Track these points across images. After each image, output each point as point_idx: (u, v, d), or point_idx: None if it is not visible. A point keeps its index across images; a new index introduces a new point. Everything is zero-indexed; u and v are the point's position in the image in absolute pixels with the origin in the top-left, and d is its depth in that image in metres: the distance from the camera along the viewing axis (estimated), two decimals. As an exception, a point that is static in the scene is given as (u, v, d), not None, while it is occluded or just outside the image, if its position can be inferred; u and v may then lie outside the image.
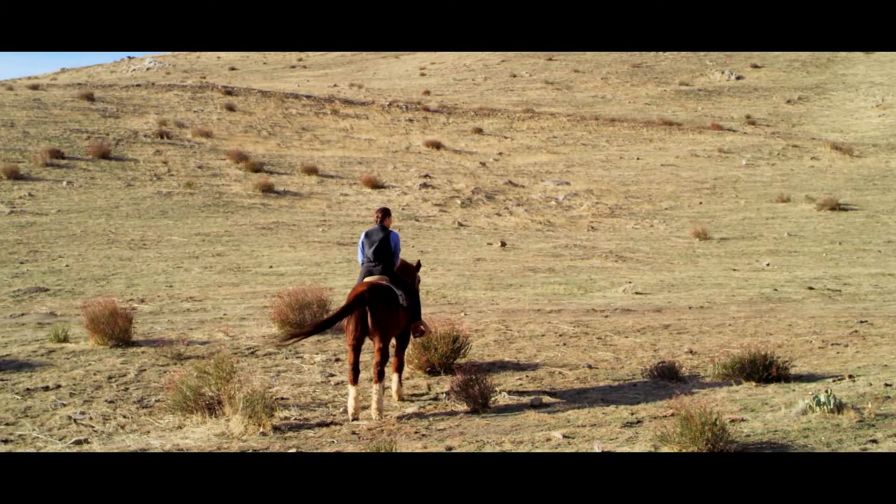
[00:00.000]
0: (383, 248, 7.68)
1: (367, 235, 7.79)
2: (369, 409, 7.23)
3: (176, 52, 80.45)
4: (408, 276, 8.10)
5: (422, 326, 8.03)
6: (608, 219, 26.19)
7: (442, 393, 7.85)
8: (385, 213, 7.95)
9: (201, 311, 11.54)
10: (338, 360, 8.99)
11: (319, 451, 6.18)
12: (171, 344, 8.99)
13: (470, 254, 18.59)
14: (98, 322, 9.07)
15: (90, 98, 36.79)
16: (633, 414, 6.99)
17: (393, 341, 7.75)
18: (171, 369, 8.22)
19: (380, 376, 7.19)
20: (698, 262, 18.94)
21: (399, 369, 7.88)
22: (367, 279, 7.57)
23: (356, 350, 7.21)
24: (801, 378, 8.06)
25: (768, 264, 18.28)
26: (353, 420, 7.03)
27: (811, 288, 14.81)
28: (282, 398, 7.52)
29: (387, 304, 7.30)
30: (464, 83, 59.71)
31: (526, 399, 7.64)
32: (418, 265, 8.52)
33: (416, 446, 6.22)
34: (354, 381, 7.13)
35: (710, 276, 16.39)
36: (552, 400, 7.62)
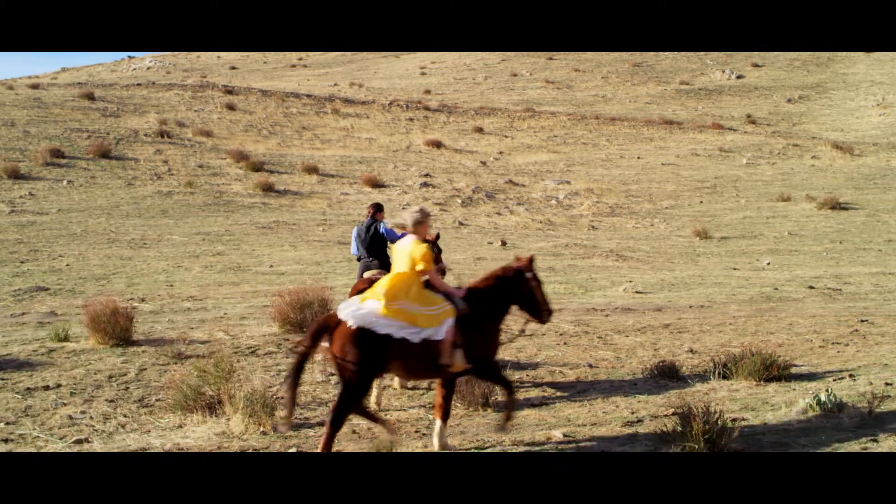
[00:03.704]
0: (375, 241, 7.82)
1: (358, 231, 7.94)
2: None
3: (176, 52, 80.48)
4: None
5: None
6: (608, 218, 26.18)
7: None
8: (377, 208, 8.08)
9: (202, 310, 11.55)
10: (338, 359, 8.99)
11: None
12: (172, 343, 9.02)
13: (470, 253, 18.59)
14: (99, 321, 9.07)
15: (90, 97, 36.81)
16: (633, 413, 7.00)
17: None
18: (171, 368, 8.23)
19: None
20: (699, 261, 18.93)
21: None
22: (368, 274, 7.69)
23: None
24: (801, 377, 8.06)
25: (769, 263, 18.27)
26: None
27: (812, 287, 14.81)
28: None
29: None
30: (464, 82, 59.72)
31: (526, 398, 7.64)
32: (437, 236, 8.08)
33: (416, 446, 6.23)
34: None
35: (710, 276, 16.39)
36: (552, 399, 7.62)
